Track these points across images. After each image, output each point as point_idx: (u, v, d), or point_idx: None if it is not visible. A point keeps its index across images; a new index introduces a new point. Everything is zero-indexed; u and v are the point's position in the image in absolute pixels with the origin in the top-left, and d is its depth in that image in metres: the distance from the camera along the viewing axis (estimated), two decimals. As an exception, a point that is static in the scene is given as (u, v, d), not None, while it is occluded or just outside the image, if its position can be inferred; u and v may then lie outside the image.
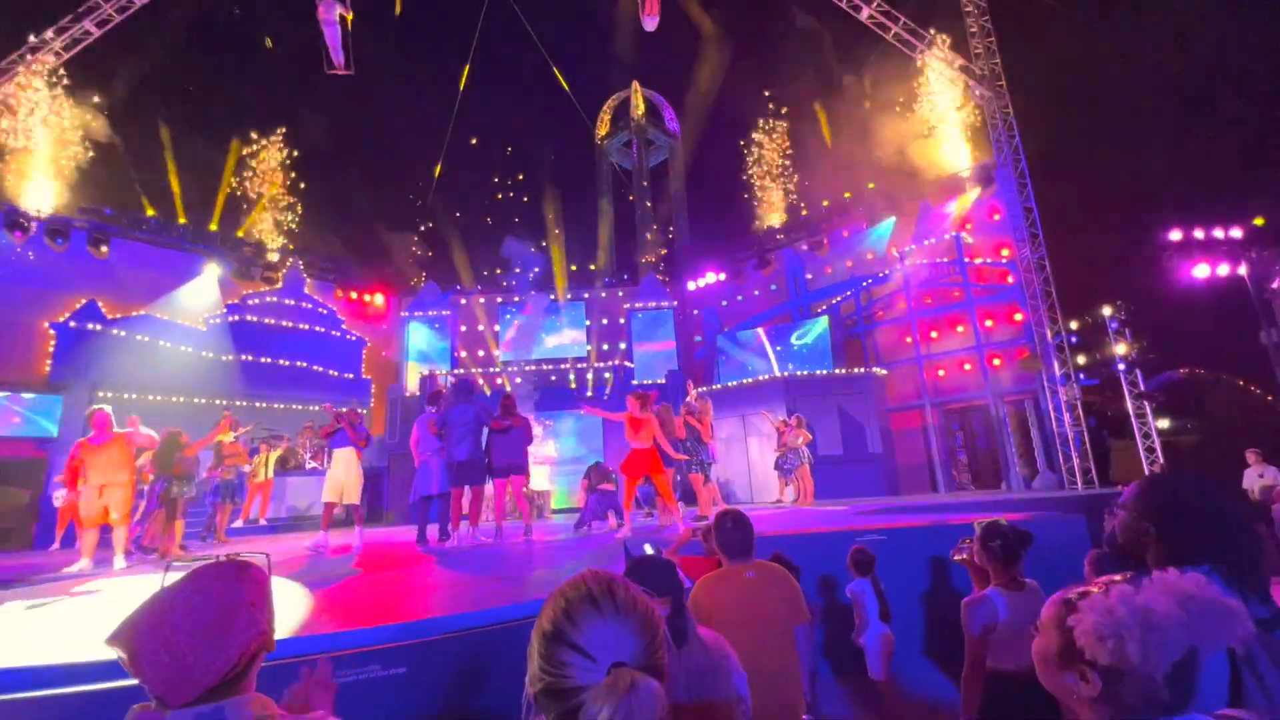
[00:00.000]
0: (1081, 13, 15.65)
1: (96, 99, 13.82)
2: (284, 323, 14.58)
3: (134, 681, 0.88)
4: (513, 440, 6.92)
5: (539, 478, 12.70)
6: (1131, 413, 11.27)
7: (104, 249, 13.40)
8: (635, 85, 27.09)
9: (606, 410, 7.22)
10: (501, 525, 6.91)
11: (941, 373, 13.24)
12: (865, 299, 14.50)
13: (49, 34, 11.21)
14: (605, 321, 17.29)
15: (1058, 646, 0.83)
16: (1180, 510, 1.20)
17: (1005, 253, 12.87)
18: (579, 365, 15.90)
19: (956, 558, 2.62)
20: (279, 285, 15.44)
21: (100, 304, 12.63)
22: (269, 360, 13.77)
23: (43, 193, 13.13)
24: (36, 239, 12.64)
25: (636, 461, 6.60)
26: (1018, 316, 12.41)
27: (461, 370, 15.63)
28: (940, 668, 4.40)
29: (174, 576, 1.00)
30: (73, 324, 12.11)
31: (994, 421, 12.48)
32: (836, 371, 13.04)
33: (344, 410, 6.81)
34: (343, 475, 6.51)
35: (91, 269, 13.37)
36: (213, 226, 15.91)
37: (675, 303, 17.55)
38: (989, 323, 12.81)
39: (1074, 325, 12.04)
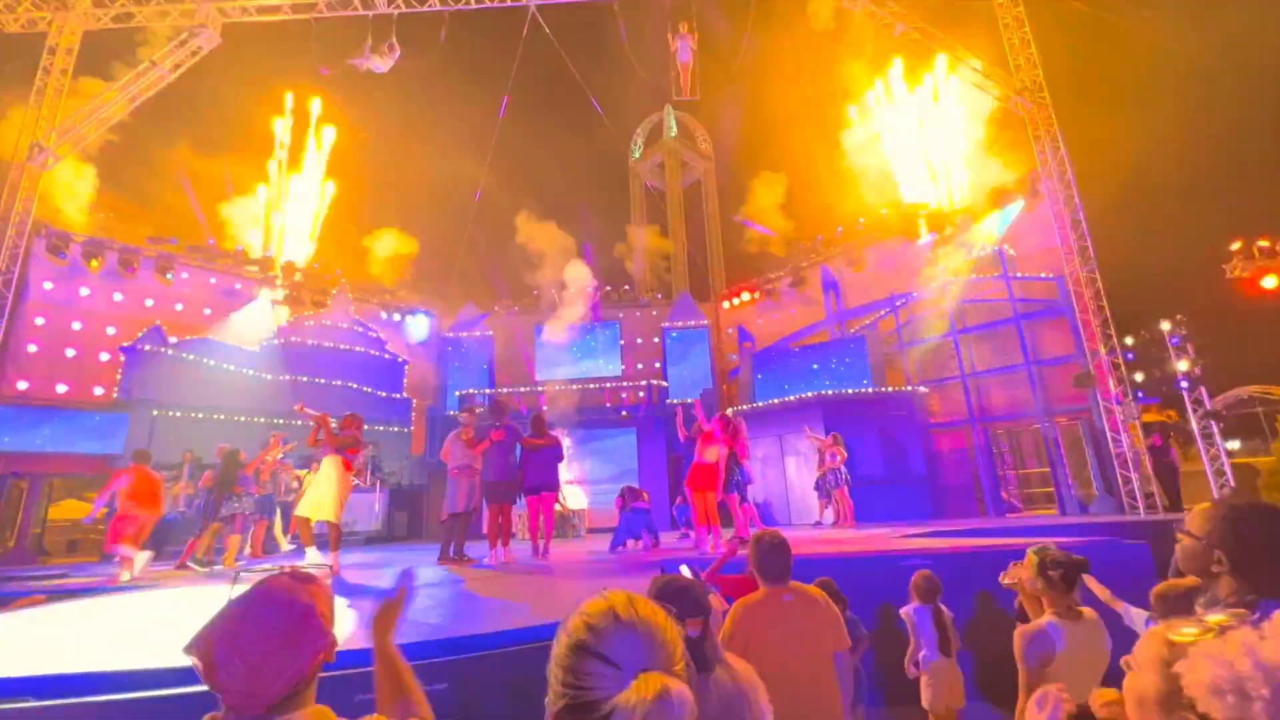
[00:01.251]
0: (1127, 18, 15.20)
1: (164, 135, 14.84)
2: (331, 344, 15.17)
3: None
4: (544, 459, 7.01)
5: (575, 497, 12.75)
6: (1197, 433, 10.62)
7: (169, 276, 14.26)
8: (668, 108, 27.51)
9: (701, 415, 7.21)
10: (537, 543, 6.95)
11: (987, 391, 12.79)
12: (905, 315, 14.18)
13: (128, 79, 12.17)
14: (639, 341, 17.38)
15: (1160, 692, 0.74)
16: (1259, 539, 1.12)
17: (1051, 268, 12.44)
18: (613, 385, 15.99)
19: (1006, 582, 2.51)
20: (327, 308, 16.10)
21: (164, 328, 13.39)
22: (317, 380, 14.32)
23: (115, 223, 14.12)
24: (110, 267, 13.54)
25: (701, 475, 6.58)
26: (1067, 333, 11.93)
27: (498, 389, 15.89)
28: (989, 699, 4.19)
29: (240, 588, 1.05)
30: (140, 347, 12.86)
31: (1045, 442, 11.95)
32: (876, 389, 12.74)
33: (322, 414, 6.09)
34: (322, 486, 5.77)
35: (157, 295, 14.23)
36: (266, 253, 16.76)
37: (709, 322, 17.53)
38: (1037, 339, 12.34)
39: (1130, 341, 11.49)
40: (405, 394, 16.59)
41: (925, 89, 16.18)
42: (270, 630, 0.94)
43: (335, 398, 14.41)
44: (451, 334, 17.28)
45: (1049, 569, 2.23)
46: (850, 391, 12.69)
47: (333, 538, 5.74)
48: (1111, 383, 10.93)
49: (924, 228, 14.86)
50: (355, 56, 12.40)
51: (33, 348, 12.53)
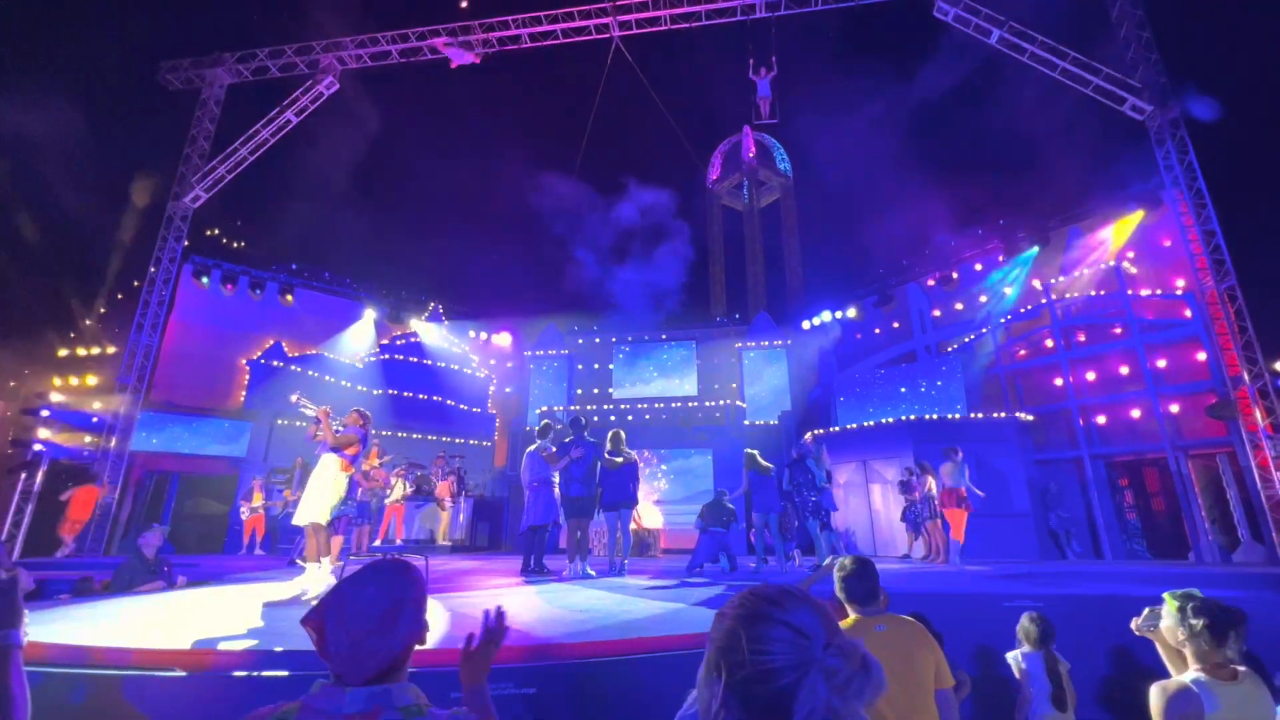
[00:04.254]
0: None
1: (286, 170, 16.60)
2: (425, 361, 16.19)
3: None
4: (622, 476, 7.07)
5: (651, 516, 12.74)
6: (1373, 475, 9.09)
7: (289, 298, 15.81)
8: (746, 129, 27.54)
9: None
10: (615, 559, 6.99)
11: (1102, 419, 11.60)
12: (1004, 337, 13.19)
13: (259, 125, 13.80)
14: (716, 361, 17.24)
15: None
16: None
17: (1181, 283, 11.20)
18: (689, 404, 15.93)
19: (1142, 628, 2.22)
20: (423, 327, 17.23)
21: (284, 344, 14.83)
22: (412, 395, 15.30)
23: (244, 251, 15.89)
24: (242, 290, 15.22)
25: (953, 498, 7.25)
26: (1200, 356, 10.64)
27: (577, 407, 16.25)
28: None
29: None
30: (263, 361, 14.30)
31: (1175, 479, 10.64)
32: (971, 415, 11.89)
33: (322, 408, 5.32)
34: (314, 487, 4.96)
35: (279, 314, 15.81)
36: (371, 275, 18.25)
37: (788, 342, 17.13)
38: (1162, 363, 11.09)
39: (1279, 366, 10.07)
40: (489, 409, 17.34)
41: (1028, 93, 15.24)
42: (372, 612, 1.03)
43: (428, 412, 15.35)
44: (533, 352, 17.93)
45: (1191, 617, 1.96)
46: (942, 416, 11.93)
47: (320, 540, 4.91)
48: (1258, 413, 9.61)
49: (1026, 242, 13.88)
50: (438, 40, 12.91)
51: (178, 360, 14.24)
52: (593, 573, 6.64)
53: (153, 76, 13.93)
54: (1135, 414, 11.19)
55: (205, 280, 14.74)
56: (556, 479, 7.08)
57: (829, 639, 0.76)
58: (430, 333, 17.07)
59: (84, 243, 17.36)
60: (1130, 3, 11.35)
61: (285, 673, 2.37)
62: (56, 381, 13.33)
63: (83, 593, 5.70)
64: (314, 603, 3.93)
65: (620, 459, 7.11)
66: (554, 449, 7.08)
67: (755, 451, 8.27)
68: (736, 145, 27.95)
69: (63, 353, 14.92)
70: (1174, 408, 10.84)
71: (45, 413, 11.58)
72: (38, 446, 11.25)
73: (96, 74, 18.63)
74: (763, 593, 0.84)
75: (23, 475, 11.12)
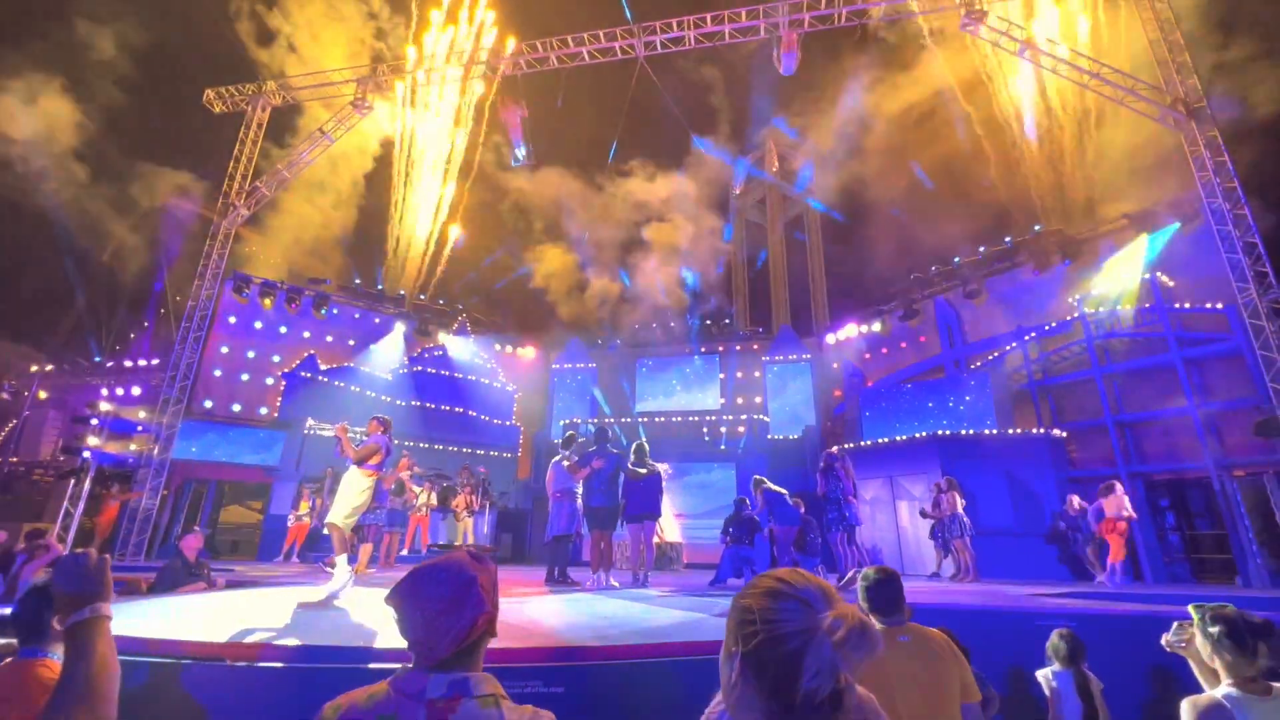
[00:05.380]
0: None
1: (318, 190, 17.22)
2: (451, 374, 16.51)
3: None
4: (646, 488, 7.09)
5: (672, 530, 12.71)
6: None
7: (323, 312, 16.32)
8: (770, 144, 27.68)
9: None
10: (638, 571, 7.00)
11: (1140, 437, 11.26)
12: (1035, 351, 12.93)
13: (300, 144, 14.44)
14: (740, 374, 17.22)
15: None
16: None
17: (1220, 297, 10.87)
18: (712, 418, 15.90)
19: (1173, 643, 2.19)
20: (450, 341, 17.59)
21: (317, 357, 15.28)
22: (440, 407, 15.59)
23: (282, 266, 16.48)
24: (279, 304, 15.76)
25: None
26: (1243, 371, 10.28)
27: (598, 420, 16.36)
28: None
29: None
30: (297, 373, 14.75)
31: (1220, 498, 10.24)
32: (1001, 431, 11.65)
33: (339, 425, 5.59)
34: (338, 495, 5.25)
35: (313, 328, 16.31)
36: (401, 291, 18.73)
37: (812, 356, 17.03)
38: (1203, 379, 10.74)
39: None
40: (514, 421, 17.56)
41: (1060, 103, 15.07)
42: (442, 591, 1.11)
43: (454, 424, 15.61)
44: (558, 366, 18.14)
45: (1210, 625, 1.95)
46: (970, 432, 11.71)
47: (334, 539, 5.25)
48: (1308, 432, 9.22)
49: (1057, 254, 13.63)
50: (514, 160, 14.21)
51: (217, 372, 14.78)
52: (616, 584, 6.66)
53: (198, 101, 14.66)
54: (1175, 431, 10.84)
55: (245, 295, 15.33)
56: (580, 489, 7.13)
57: (832, 608, 0.86)
58: (457, 346, 17.41)
59: (131, 260, 18.23)
60: (1165, 12, 11.19)
61: (279, 665, 2.49)
62: (104, 392, 13.96)
63: (128, 593, 5.94)
64: (340, 600, 4.07)
65: (644, 470, 7.13)
66: (576, 459, 7.13)
67: (764, 478, 8.44)
68: (760, 159, 28.08)
69: (110, 364, 15.63)
70: (1217, 425, 10.47)
71: (94, 421, 12.12)
72: (85, 453, 11.77)
73: (142, 98, 19.68)
74: (774, 573, 0.95)
75: (72, 481, 11.65)
